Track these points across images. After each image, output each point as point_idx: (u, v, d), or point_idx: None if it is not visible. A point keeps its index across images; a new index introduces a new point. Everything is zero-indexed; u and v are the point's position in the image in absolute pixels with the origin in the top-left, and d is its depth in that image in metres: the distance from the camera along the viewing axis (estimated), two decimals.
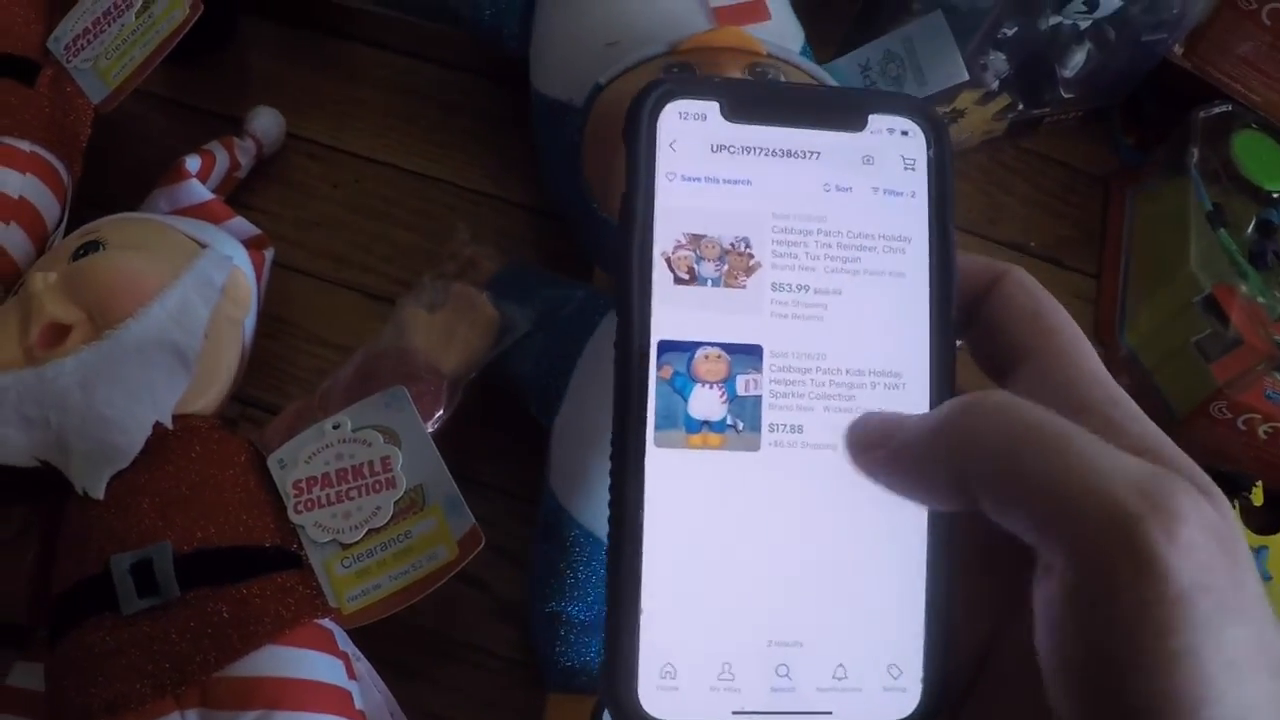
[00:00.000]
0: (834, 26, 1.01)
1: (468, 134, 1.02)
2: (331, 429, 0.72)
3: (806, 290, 0.42)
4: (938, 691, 0.41)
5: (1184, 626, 0.32)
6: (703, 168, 0.42)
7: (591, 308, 0.81)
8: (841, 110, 0.44)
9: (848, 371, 0.42)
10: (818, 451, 0.41)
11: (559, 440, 0.79)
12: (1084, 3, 0.92)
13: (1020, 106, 1.04)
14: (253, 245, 0.86)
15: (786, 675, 0.40)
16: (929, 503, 0.40)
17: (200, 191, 0.86)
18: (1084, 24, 0.97)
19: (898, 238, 0.43)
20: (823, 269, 0.42)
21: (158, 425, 0.70)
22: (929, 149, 0.44)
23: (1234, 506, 0.39)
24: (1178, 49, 1.03)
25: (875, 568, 0.42)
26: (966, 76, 0.87)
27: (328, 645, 0.69)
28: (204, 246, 0.79)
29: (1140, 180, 1.05)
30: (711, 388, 0.41)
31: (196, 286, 0.74)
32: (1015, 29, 0.95)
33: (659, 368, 0.40)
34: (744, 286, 0.42)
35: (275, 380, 0.90)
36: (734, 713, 0.40)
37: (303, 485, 0.71)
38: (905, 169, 0.44)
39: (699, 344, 0.41)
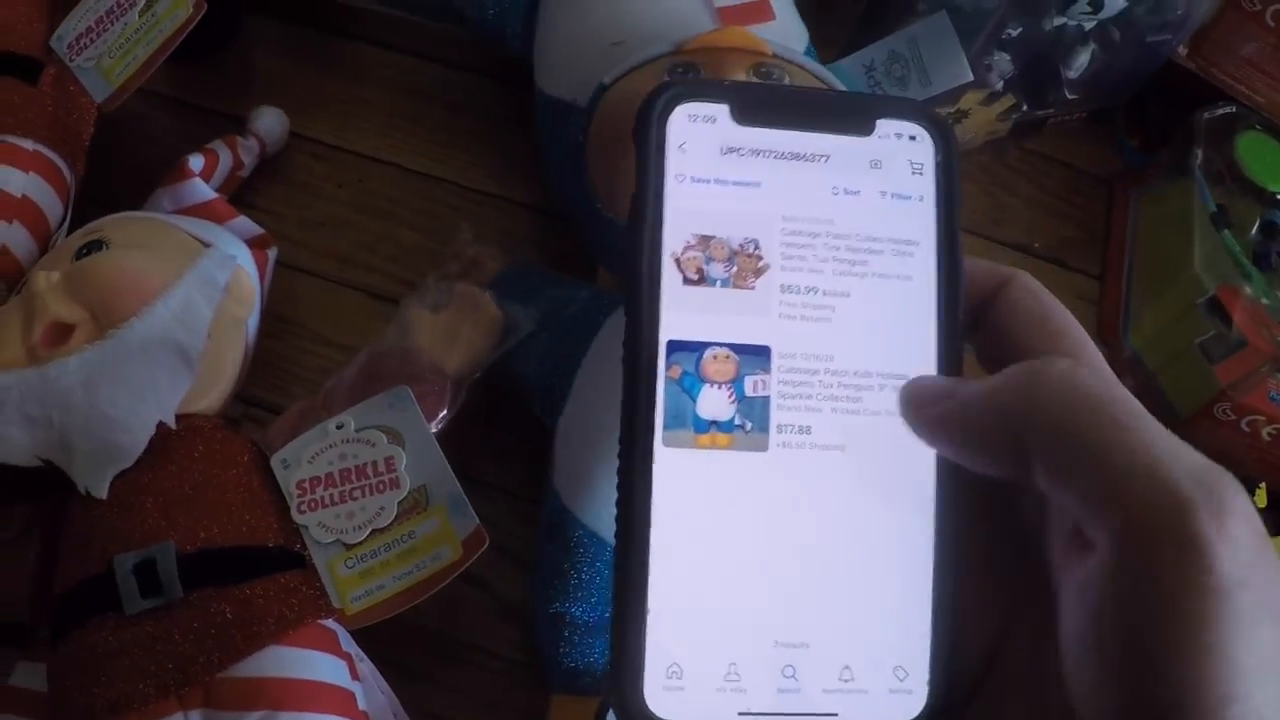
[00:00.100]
0: (838, 27, 1.01)
1: (472, 134, 1.02)
2: (335, 429, 0.72)
3: (815, 292, 0.42)
4: (944, 693, 0.42)
5: (1221, 620, 0.32)
6: (712, 169, 0.42)
7: (595, 308, 0.81)
8: (850, 114, 0.44)
9: (855, 373, 0.42)
10: (826, 452, 0.42)
11: (563, 441, 0.79)
12: (1089, 3, 0.92)
13: (1024, 107, 1.04)
14: (256, 245, 0.86)
15: (793, 676, 0.40)
16: (979, 465, 0.40)
17: (204, 191, 0.86)
18: (1088, 25, 0.97)
19: (905, 241, 0.43)
20: (831, 271, 0.42)
21: (161, 425, 0.70)
22: (936, 154, 0.44)
23: None
24: (1182, 50, 1.03)
25: (882, 569, 0.42)
26: (971, 77, 0.87)
27: (331, 646, 0.69)
28: (207, 246, 0.78)
29: (1144, 181, 1.05)
30: (720, 388, 0.41)
31: (200, 286, 0.74)
32: (1020, 29, 0.95)
33: (668, 368, 0.41)
34: (753, 288, 0.42)
35: (279, 380, 0.89)
36: (740, 714, 0.40)
37: (306, 485, 0.71)
38: (913, 173, 0.44)
39: (708, 344, 0.41)
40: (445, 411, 0.75)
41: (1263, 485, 0.90)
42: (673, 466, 0.40)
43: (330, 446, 0.71)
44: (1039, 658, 0.40)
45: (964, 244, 0.44)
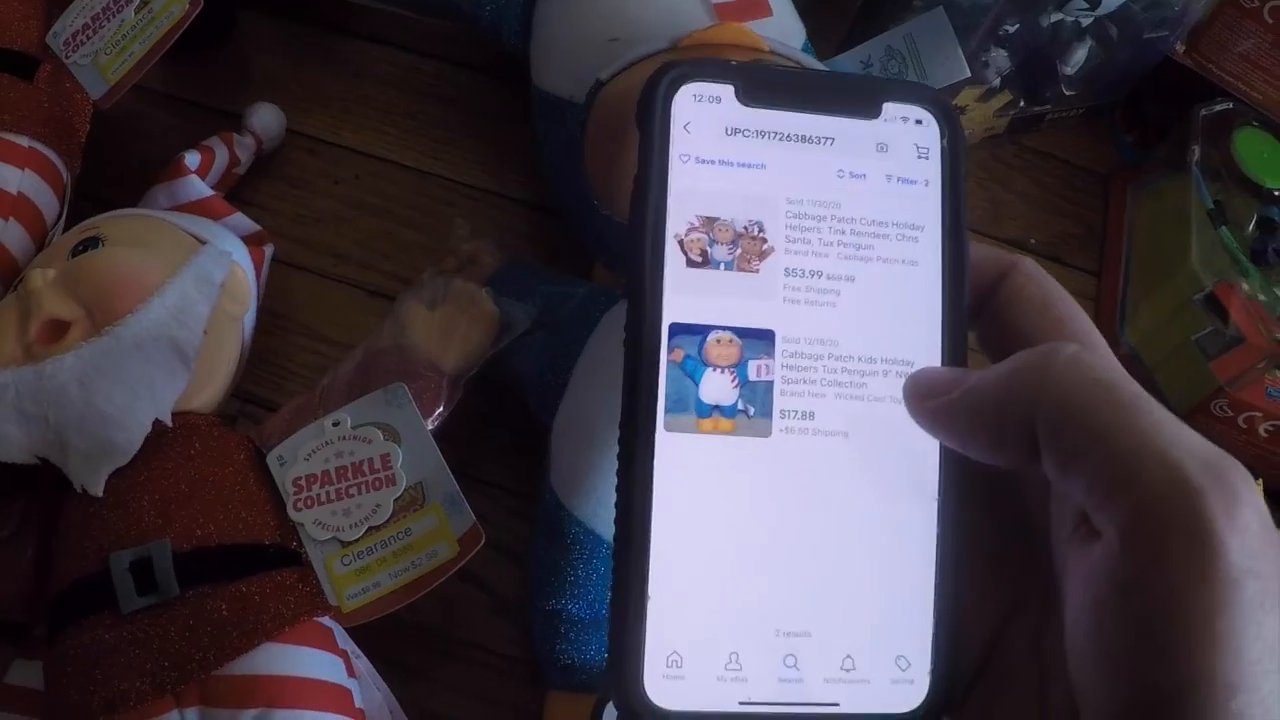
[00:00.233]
0: (835, 23, 1.01)
1: (468, 130, 1.02)
2: (331, 426, 0.71)
3: (819, 276, 0.42)
4: (945, 683, 0.42)
5: (1230, 608, 0.32)
6: (717, 150, 0.42)
7: (592, 305, 0.81)
8: (857, 97, 0.44)
9: (860, 358, 0.42)
10: (829, 439, 0.41)
11: (559, 438, 0.79)
12: (1086, 0, 0.92)
13: (1021, 104, 1.04)
14: (252, 241, 0.86)
15: (794, 666, 0.40)
16: (986, 455, 0.39)
17: (200, 187, 0.86)
18: (1086, 21, 0.97)
19: (911, 226, 0.43)
20: (836, 255, 0.42)
21: (157, 422, 0.70)
22: (942, 138, 0.44)
23: None
24: (1179, 46, 1.03)
25: (884, 558, 0.42)
26: (968, 73, 0.87)
27: (327, 643, 0.68)
28: (203, 243, 0.78)
29: (1141, 178, 1.05)
30: (723, 372, 0.41)
31: (196, 283, 0.74)
32: (1017, 26, 0.95)
33: (670, 351, 0.40)
34: (757, 271, 0.42)
35: (275, 377, 0.89)
36: (741, 703, 0.40)
37: (302, 482, 0.71)
38: (919, 158, 0.44)
39: (711, 327, 0.41)
40: (441, 408, 0.75)
41: (1260, 481, 0.90)
42: (674, 451, 0.40)
43: (326, 443, 0.71)
44: (1040, 648, 0.40)
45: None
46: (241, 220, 0.87)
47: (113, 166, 0.93)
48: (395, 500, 0.70)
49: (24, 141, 0.83)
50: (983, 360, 0.43)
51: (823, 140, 0.43)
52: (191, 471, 0.70)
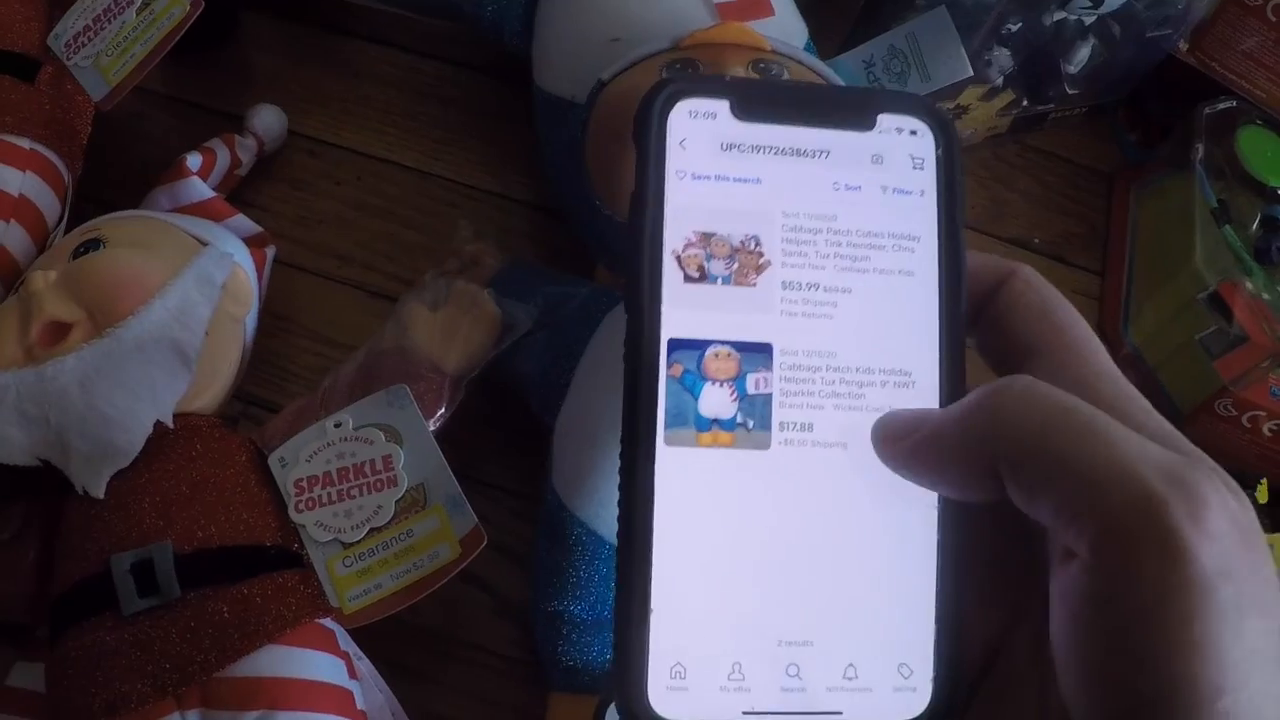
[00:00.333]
0: (838, 22, 1.01)
1: (470, 131, 1.02)
2: (333, 427, 0.71)
3: (817, 289, 0.42)
4: (948, 691, 0.41)
5: (1205, 613, 0.32)
6: (713, 166, 0.42)
7: (594, 306, 0.81)
8: (851, 109, 0.44)
9: (858, 370, 0.42)
10: (828, 450, 0.41)
11: (561, 439, 0.79)
12: None
13: (1024, 103, 1.04)
14: (254, 243, 0.86)
15: (797, 675, 0.40)
16: (956, 492, 0.40)
17: (201, 189, 0.86)
18: (1088, 19, 0.97)
19: (907, 236, 0.43)
20: (833, 267, 0.42)
21: (158, 424, 0.70)
22: (938, 148, 0.44)
23: None
24: (1182, 45, 1.03)
25: (885, 567, 0.42)
26: (971, 73, 0.87)
27: (329, 645, 0.68)
28: (205, 244, 0.78)
29: (1144, 176, 1.05)
30: (722, 386, 0.41)
31: (198, 284, 0.74)
32: (1019, 24, 0.95)
33: (669, 366, 0.40)
34: (754, 285, 0.42)
35: (276, 378, 0.89)
36: (744, 713, 0.40)
37: (304, 484, 0.71)
38: (914, 168, 0.44)
39: (709, 342, 0.41)
40: (443, 410, 0.75)
41: (1264, 481, 0.90)
42: (675, 465, 0.40)
43: (328, 445, 0.71)
44: (1041, 655, 0.40)
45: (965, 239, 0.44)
46: (243, 222, 0.87)
47: (114, 168, 0.93)
48: (397, 502, 0.70)
49: (25, 143, 0.82)
50: (984, 368, 0.43)
51: (818, 153, 0.43)
52: (193, 473, 0.70)
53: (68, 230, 0.82)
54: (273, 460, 0.72)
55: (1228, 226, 0.91)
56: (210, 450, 0.72)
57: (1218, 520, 0.33)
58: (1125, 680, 0.33)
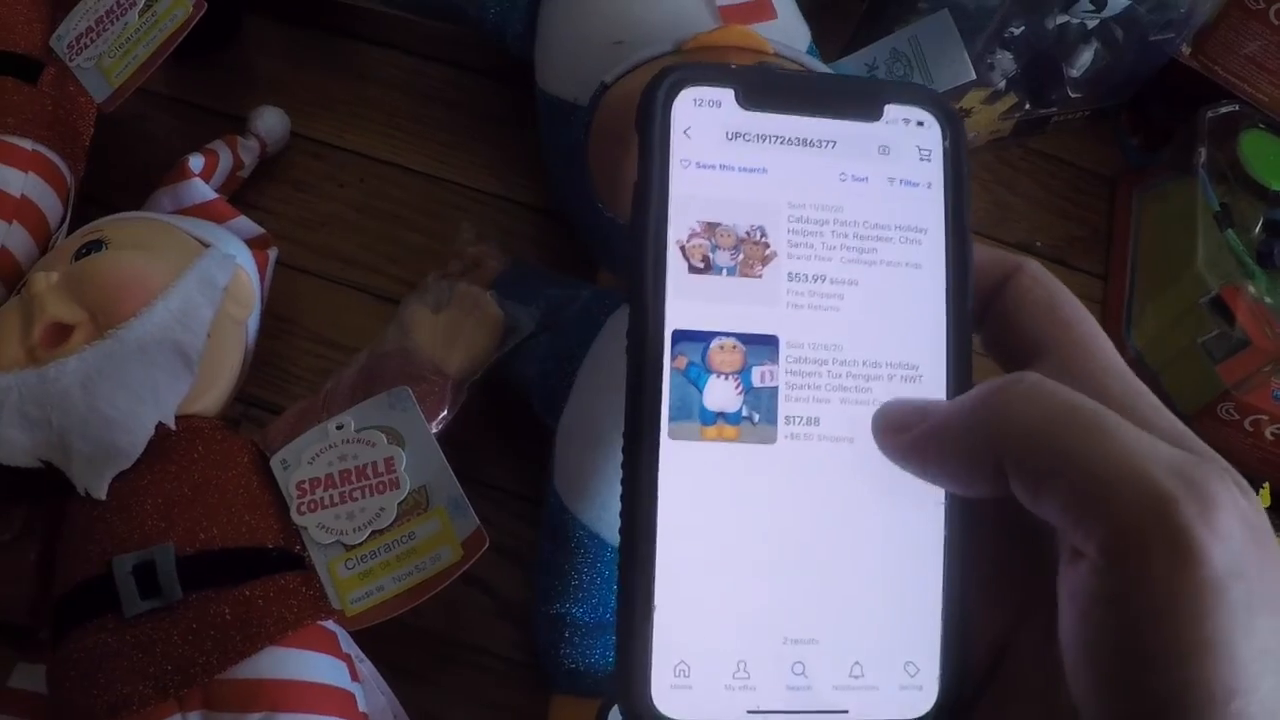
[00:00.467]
0: (840, 26, 1.01)
1: (473, 133, 1.02)
2: (335, 429, 0.71)
3: (823, 280, 0.42)
4: (954, 689, 0.41)
5: (1217, 613, 0.32)
6: (718, 155, 0.42)
7: (597, 308, 0.81)
8: (858, 100, 0.44)
9: (864, 363, 0.42)
10: (834, 444, 0.41)
11: (563, 441, 0.79)
12: (1091, 2, 0.92)
13: (1027, 106, 1.04)
14: (256, 245, 0.86)
15: (802, 673, 0.40)
16: (958, 487, 0.39)
17: (204, 191, 0.86)
18: (1091, 23, 0.97)
19: (914, 228, 0.43)
20: (839, 259, 0.42)
21: (160, 425, 0.70)
22: (944, 140, 0.44)
23: None
24: (1185, 48, 1.03)
25: (892, 563, 0.42)
26: (974, 76, 0.87)
27: (331, 647, 0.68)
28: (207, 246, 0.78)
29: (1147, 180, 1.05)
30: (727, 379, 0.41)
31: (200, 286, 0.73)
32: (1022, 28, 0.95)
33: (673, 358, 0.40)
34: (760, 276, 0.41)
35: (278, 380, 0.89)
36: (749, 712, 0.40)
37: (306, 486, 0.71)
38: (921, 159, 0.44)
39: (714, 334, 0.41)
40: (446, 412, 0.75)
41: (1266, 485, 0.90)
42: (679, 459, 0.40)
43: (330, 447, 0.71)
44: (1048, 654, 0.40)
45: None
46: (245, 223, 0.87)
47: (116, 170, 0.93)
48: (399, 504, 0.69)
49: (28, 144, 0.82)
50: (990, 364, 0.43)
51: (824, 143, 0.43)
52: (195, 475, 0.70)
53: (70, 231, 0.82)
54: (275, 462, 0.72)
55: (1230, 230, 0.91)
56: (212, 452, 0.72)
57: (1229, 520, 0.32)
58: (1136, 681, 0.33)
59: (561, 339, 0.80)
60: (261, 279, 0.84)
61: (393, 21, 1.05)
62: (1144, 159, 1.08)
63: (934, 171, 0.44)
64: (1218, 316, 0.89)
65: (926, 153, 0.44)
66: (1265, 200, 0.94)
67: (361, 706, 0.68)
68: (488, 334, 0.79)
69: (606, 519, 0.74)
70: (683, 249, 0.41)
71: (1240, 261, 0.89)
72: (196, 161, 0.87)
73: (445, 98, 1.04)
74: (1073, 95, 1.04)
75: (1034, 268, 0.43)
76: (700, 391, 0.40)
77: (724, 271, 0.41)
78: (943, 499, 0.42)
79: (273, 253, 0.88)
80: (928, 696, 0.41)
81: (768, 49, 0.75)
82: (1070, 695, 0.36)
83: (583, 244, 0.90)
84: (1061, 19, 0.96)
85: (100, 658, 0.65)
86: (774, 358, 0.41)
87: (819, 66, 0.78)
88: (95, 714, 0.64)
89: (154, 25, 0.84)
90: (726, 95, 0.42)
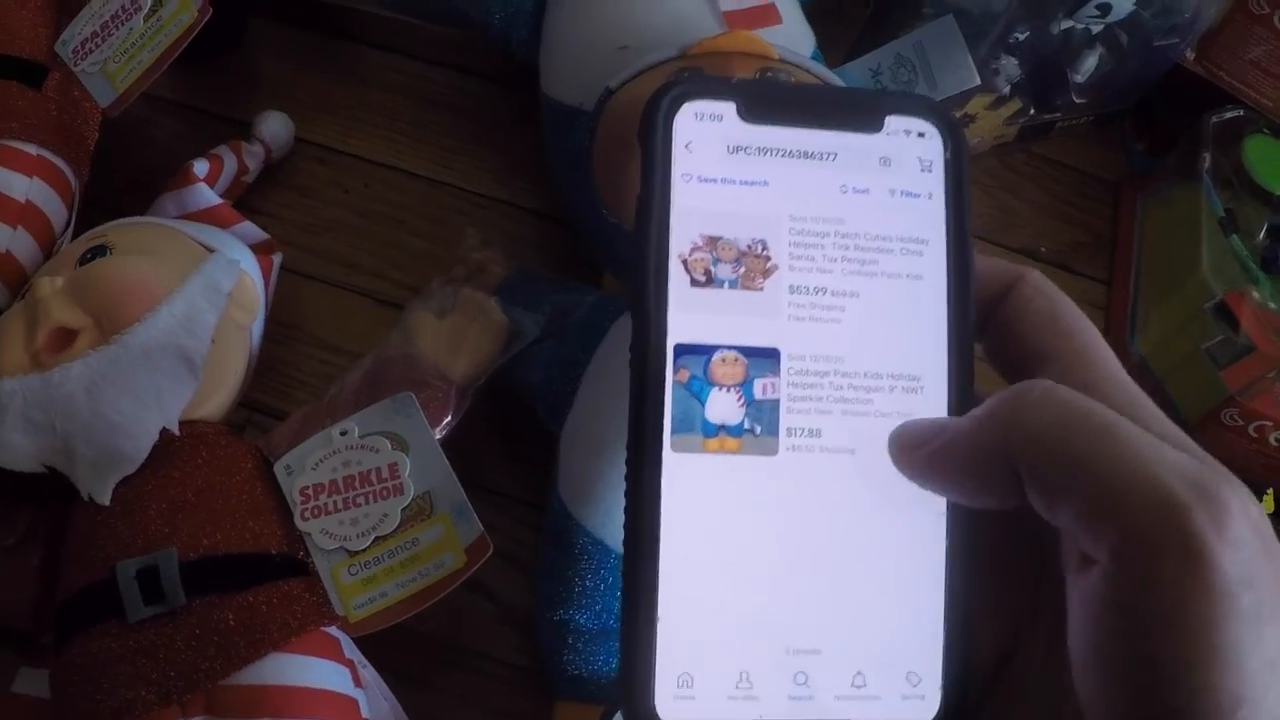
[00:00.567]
0: (845, 31, 1.01)
1: (477, 139, 1.02)
2: (339, 435, 0.71)
3: (824, 293, 0.42)
4: (956, 699, 0.41)
5: (1227, 621, 0.32)
6: (719, 169, 0.42)
7: (601, 314, 0.81)
8: (858, 111, 0.44)
9: (866, 375, 0.42)
10: (836, 456, 0.41)
11: (567, 447, 0.79)
12: (1096, 7, 0.92)
13: (1031, 111, 1.03)
14: (261, 250, 0.86)
15: (805, 683, 0.40)
16: (973, 499, 0.39)
17: (208, 196, 0.86)
18: (1096, 29, 0.97)
19: (915, 240, 0.43)
20: (840, 271, 0.42)
21: (164, 431, 0.70)
22: (946, 151, 0.44)
23: None
24: (1189, 54, 1.03)
25: (894, 574, 0.42)
26: (978, 81, 0.87)
27: (334, 653, 0.68)
28: (212, 251, 0.78)
29: (1151, 185, 1.05)
30: (729, 391, 0.41)
31: (204, 292, 0.73)
32: (1027, 33, 0.95)
33: (675, 371, 0.40)
34: (761, 289, 0.41)
35: (282, 386, 0.89)
36: None
37: (310, 492, 0.71)
38: (922, 171, 0.44)
39: (716, 347, 0.41)
40: (450, 418, 0.75)
41: (1270, 491, 0.90)
42: (681, 471, 0.40)
43: (334, 453, 0.71)
44: (1051, 664, 0.40)
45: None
46: (250, 229, 0.87)
47: (121, 175, 0.93)
48: (403, 510, 0.69)
49: (32, 149, 0.83)
50: (993, 375, 0.43)
51: (825, 156, 0.43)
52: (199, 480, 0.70)
53: (74, 236, 0.82)
54: (279, 468, 0.72)
55: (1234, 236, 0.91)
56: (216, 457, 0.72)
57: (1240, 528, 0.32)
58: (1145, 688, 0.33)
59: (566, 345, 0.80)
60: (266, 284, 0.84)
61: (396, 26, 1.05)
62: (1148, 164, 1.08)
63: (935, 182, 0.44)
64: (1222, 322, 0.89)
65: (927, 164, 0.44)
66: (1270, 206, 0.94)
67: (364, 712, 0.68)
68: (492, 340, 0.79)
69: (610, 525, 0.74)
70: (684, 263, 0.41)
71: (1244, 267, 0.89)
72: (201, 167, 0.87)
73: (449, 102, 1.04)
74: (1077, 100, 1.04)
75: (1035, 277, 0.43)
76: (702, 404, 0.40)
77: (726, 284, 0.41)
78: (944, 509, 0.42)
79: (277, 258, 0.88)
80: (930, 706, 0.41)
81: (773, 54, 0.75)
82: (1076, 702, 0.37)
83: (587, 249, 0.90)
84: (1066, 24, 0.96)
85: (103, 663, 0.65)
86: (775, 370, 0.41)
87: (824, 72, 0.78)
88: (98, 719, 0.64)
89: (159, 30, 0.84)
90: (728, 109, 0.42)
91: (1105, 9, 0.92)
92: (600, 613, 0.75)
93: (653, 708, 0.39)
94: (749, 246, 0.41)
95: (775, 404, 0.41)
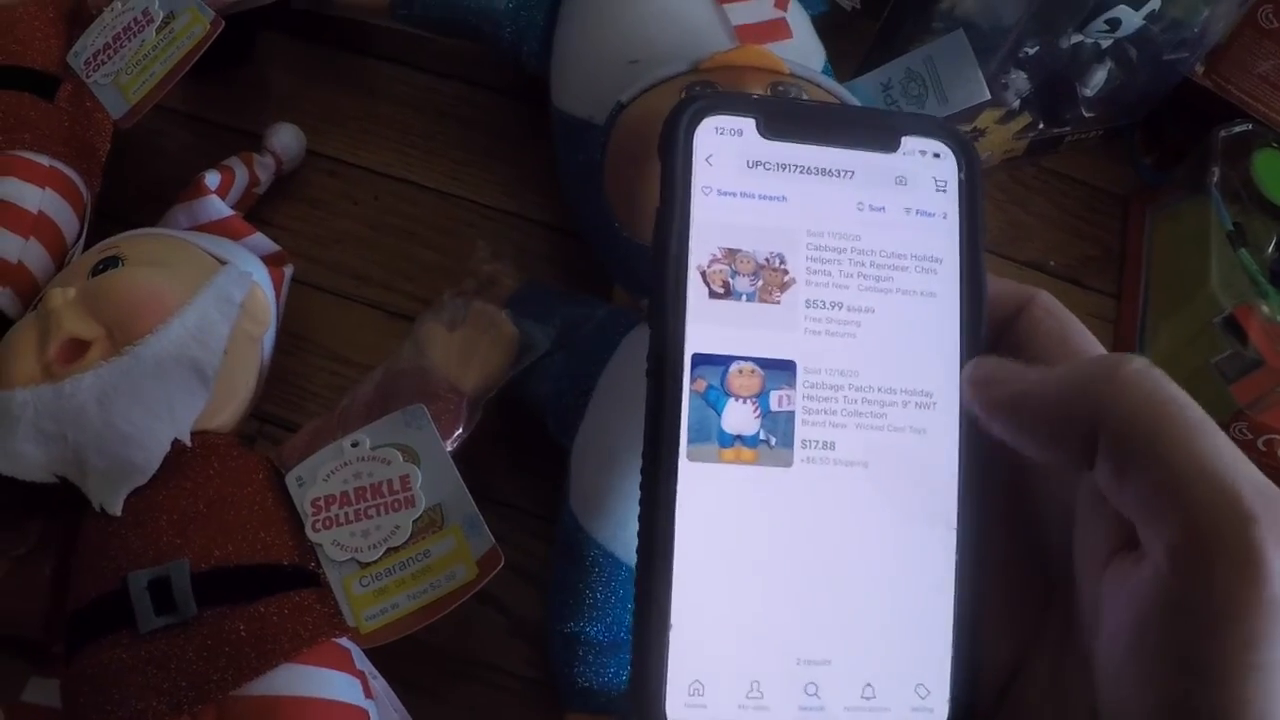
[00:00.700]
0: (855, 45, 1.01)
1: (487, 151, 1.03)
2: (350, 447, 0.71)
3: (840, 307, 0.42)
4: (965, 712, 0.42)
5: (1271, 639, 0.32)
6: (739, 183, 0.42)
7: (612, 327, 0.81)
8: (876, 131, 0.44)
9: (880, 389, 0.42)
10: (849, 468, 0.42)
11: (578, 460, 0.79)
12: (1106, 22, 0.92)
13: (1041, 125, 1.04)
14: (272, 262, 0.86)
15: (815, 694, 0.40)
16: (1040, 449, 0.40)
17: (220, 207, 0.86)
18: (1105, 43, 0.97)
19: (929, 258, 0.44)
20: (856, 287, 0.43)
21: (176, 442, 0.70)
22: (960, 171, 0.44)
23: None
24: (1198, 68, 1.03)
25: (904, 586, 0.42)
26: (988, 96, 0.87)
27: (345, 664, 0.68)
28: (224, 263, 0.78)
29: (1160, 199, 1.05)
30: (745, 402, 0.41)
31: (216, 303, 0.74)
32: (1037, 48, 0.95)
33: (692, 381, 0.40)
34: (778, 302, 0.42)
35: (293, 397, 0.89)
36: None
37: (321, 503, 0.71)
38: (937, 190, 0.44)
39: (733, 358, 0.41)
40: (461, 430, 0.75)
41: None
42: (696, 481, 0.40)
43: (345, 464, 0.71)
44: (1060, 677, 0.40)
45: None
46: (261, 240, 0.87)
47: (133, 186, 0.93)
48: (414, 522, 0.70)
49: (45, 160, 0.83)
50: None
51: (843, 173, 0.43)
52: (210, 491, 0.70)
53: (86, 248, 0.82)
54: (290, 479, 0.72)
55: (1243, 250, 0.91)
56: (228, 469, 0.72)
57: None
58: (1184, 695, 0.33)
59: (576, 358, 0.80)
60: (277, 296, 0.84)
61: (408, 39, 1.05)
62: (1157, 178, 1.08)
63: (949, 203, 0.44)
64: (1231, 336, 0.89)
65: (943, 184, 0.44)
66: (1278, 219, 0.94)
67: None
68: (503, 352, 0.79)
69: (622, 538, 0.74)
70: (703, 274, 0.41)
71: (1253, 281, 0.89)
72: (213, 178, 0.87)
73: (460, 115, 1.04)
74: (1086, 115, 1.04)
75: (1046, 299, 0.44)
76: (719, 414, 0.41)
77: (743, 297, 0.41)
78: (954, 524, 0.42)
79: (288, 270, 0.88)
80: (938, 718, 0.41)
81: (784, 69, 0.75)
82: (1084, 716, 0.37)
83: (597, 262, 0.90)
84: (1076, 39, 0.96)
85: (114, 673, 0.65)
86: (791, 382, 0.41)
87: (834, 86, 0.78)
88: None
89: (171, 42, 0.84)
90: (748, 124, 0.43)
91: (1114, 24, 0.92)
92: (611, 625, 0.74)
93: (664, 715, 0.39)
94: (767, 260, 0.42)
95: (790, 416, 0.41)
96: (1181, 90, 1.04)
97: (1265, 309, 0.88)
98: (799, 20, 0.88)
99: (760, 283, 0.42)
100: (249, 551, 0.68)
